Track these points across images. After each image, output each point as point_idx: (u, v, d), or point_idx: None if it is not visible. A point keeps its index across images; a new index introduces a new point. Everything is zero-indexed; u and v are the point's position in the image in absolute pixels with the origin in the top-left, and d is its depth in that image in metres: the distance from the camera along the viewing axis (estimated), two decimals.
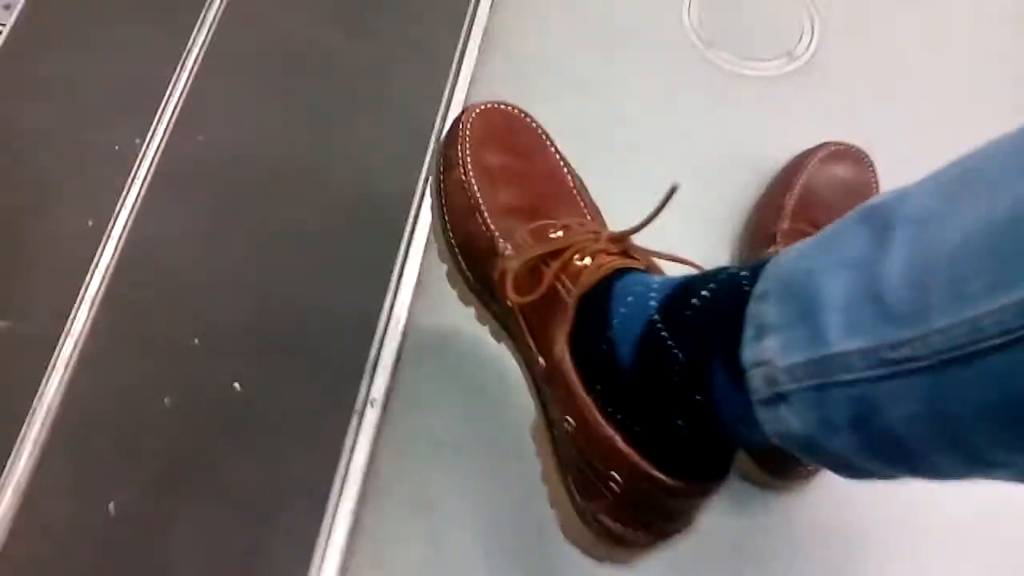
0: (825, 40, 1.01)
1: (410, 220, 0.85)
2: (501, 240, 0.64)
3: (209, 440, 0.76)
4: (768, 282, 0.48)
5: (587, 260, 0.59)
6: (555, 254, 0.60)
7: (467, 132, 0.68)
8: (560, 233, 0.62)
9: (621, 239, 0.60)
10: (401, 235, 0.84)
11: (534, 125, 0.70)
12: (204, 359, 0.78)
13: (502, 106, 0.70)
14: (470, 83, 0.93)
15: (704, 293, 0.53)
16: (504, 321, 0.66)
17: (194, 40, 0.93)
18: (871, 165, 0.86)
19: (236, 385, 0.77)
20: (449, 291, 0.82)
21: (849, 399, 0.44)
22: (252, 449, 0.75)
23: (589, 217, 0.66)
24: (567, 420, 0.58)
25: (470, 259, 0.67)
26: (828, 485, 0.77)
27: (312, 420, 0.77)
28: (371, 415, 0.77)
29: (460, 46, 0.95)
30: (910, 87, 0.99)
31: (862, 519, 0.77)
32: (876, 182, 0.85)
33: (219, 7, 0.95)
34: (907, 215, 0.43)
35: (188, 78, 0.91)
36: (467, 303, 0.69)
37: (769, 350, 0.47)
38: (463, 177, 0.66)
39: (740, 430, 0.52)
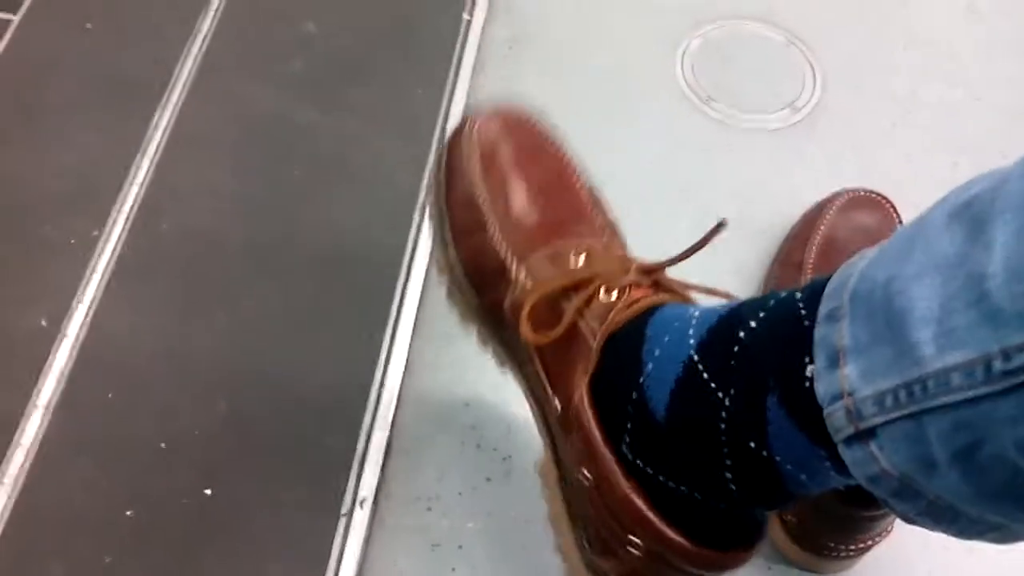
0: (828, 89, 0.96)
1: (396, 298, 0.78)
2: (515, 263, 0.56)
3: (179, 555, 0.67)
4: (837, 299, 0.41)
5: (614, 296, 0.51)
6: (577, 286, 0.53)
7: (474, 138, 0.60)
8: (582, 259, 0.54)
9: (653, 271, 0.53)
10: (387, 315, 0.77)
11: (545, 129, 0.63)
12: (171, 465, 0.70)
13: (511, 109, 0.63)
14: None
15: (752, 324, 0.45)
16: (512, 348, 0.58)
17: (156, 122, 0.87)
18: (893, 209, 0.79)
19: (207, 491, 0.69)
20: (441, 374, 0.76)
21: (951, 427, 0.36)
22: (228, 562, 0.66)
23: (606, 235, 0.59)
24: (583, 473, 0.50)
25: (476, 278, 0.59)
26: (875, 564, 0.68)
27: (295, 526, 0.68)
28: (360, 516, 0.68)
29: (442, 114, 0.89)
30: (920, 129, 0.94)
31: None
32: (901, 225, 0.79)
33: (182, 86, 0.89)
34: (1008, 203, 0.35)
35: (150, 163, 0.84)
36: (468, 325, 0.62)
37: (848, 379, 0.39)
38: (472, 190, 0.59)
39: (801, 479, 0.44)
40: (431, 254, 0.64)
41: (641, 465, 0.48)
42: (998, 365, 0.34)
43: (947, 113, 0.96)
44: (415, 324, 0.78)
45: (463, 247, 0.60)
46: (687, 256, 0.52)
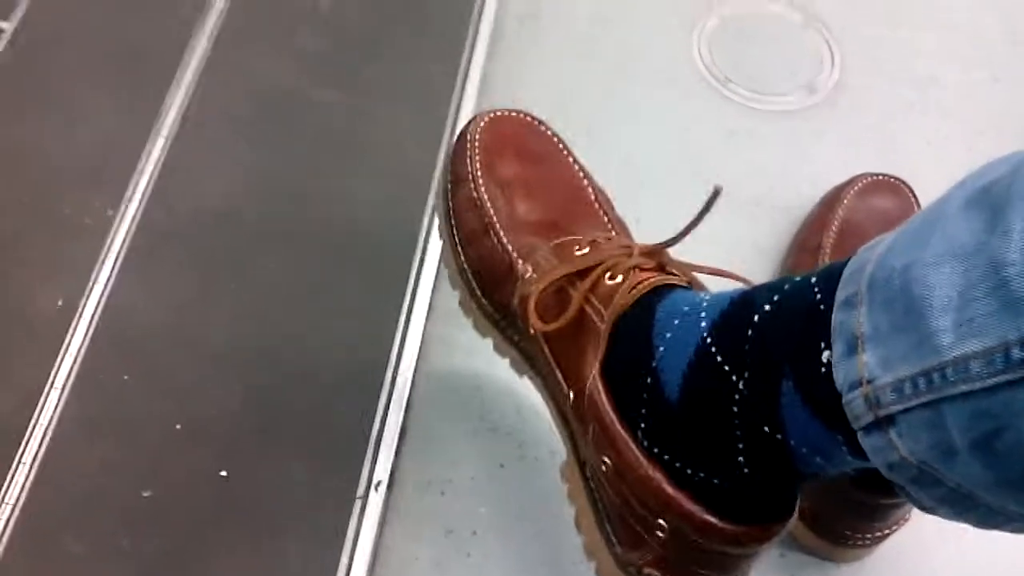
0: (847, 70, 0.95)
1: (411, 278, 0.78)
2: (520, 261, 0.57)
3: (195, 536, 0.67)
4: (854, 285, 0.41)
5: (619, 279, 0.52)
6: (582, 274, 0.53)
7: (476, 143, 0.61)
8: (587, 250, 0.55)
9: (657, 253, 0.53)
10: (403, 295, 0.77)
11: (549, 132, 0.64)
12: (187, 446, 0.70)
13: (513, 113, 0.63)
14: None
15: (766, 307, 0.45)
16: (527, 351, 0.59)
17: (169, 101, 0.86)
18: (911, 193, 0.79)
19: (223, 473, 0.69)
20: (455, 357, 0.76)
21: (971, 415, 0.36)
22: (243, 544, 0.67)
23: (615, 232, 0.60)
24: (603, 460, 0.51)
25: (485, 284, 0.60)
26: (895, 550, 0.68)
27: (310, 508, 0.68)
28: (375, 500, 0.68)
29: (457, 92, 0.88)
30: (940, 112, 0.93)
31: None
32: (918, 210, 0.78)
33: (196, 64, 0.89)
34: None
35: (164, 140, 0.84)
36: (484, 333, 0.63)
37: (867, 366, 0.39)
38: (474, 193, 0.60)
39: (816, 462, 0.44)
40: (441, 258, 0.65)
41: (657, 452, 0.48)
42: (1017, 353, 0.34)
43: (967, 96, 0.95)
44: (430, 304, 0.77)
45: (470, 251, 0.61)
46: (687, 233, 0.51)
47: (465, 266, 0.61)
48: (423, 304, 0.77)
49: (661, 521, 0.49)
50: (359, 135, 0.87)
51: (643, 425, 0.49)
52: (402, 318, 0.76)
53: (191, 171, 0.83)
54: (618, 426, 0.50)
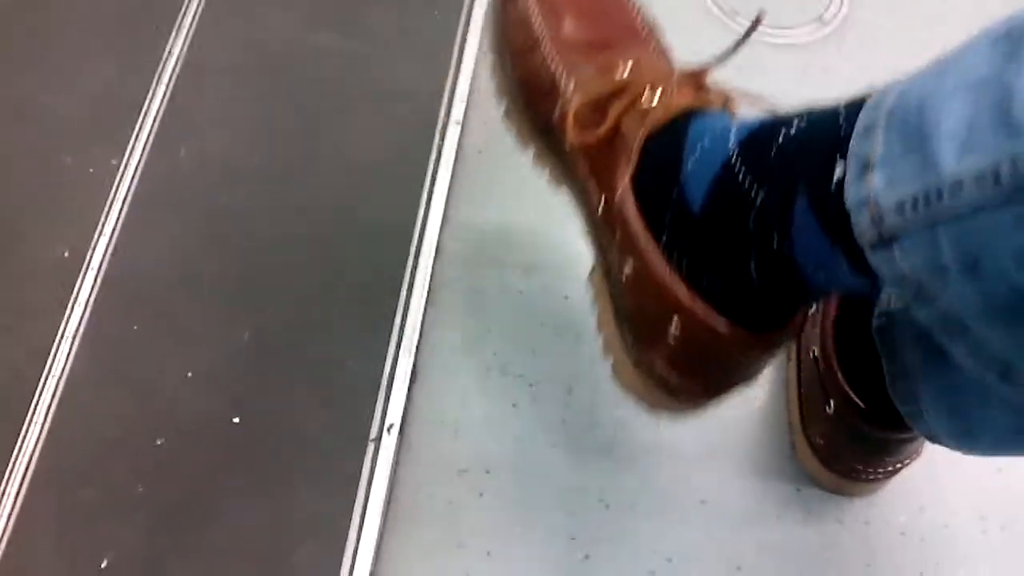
0: (856, 4, 0.93)
1: (419, 220, 0.77)
2: (564, 76, 0.58)
3: (209, 482, 0.68)
4: (873, 114, 0.41)
5: (656, 99, 0.53)
6: (621, 92, 0.55)
7: None
8: (629, 67, 0.56)
9: (696, 75, 0.55)
10: (410, 238, 0.77)
11: None
12: (198, 393, 0.70)
13: None
14: (473, 73, 0.85)
15: (791, 132, 0.47)
16: (564, 164, 0.61)
17: (170, 49, 0.85)
18: None
19: (235, 419, 0.69)
20: (465, 299, 0.76)
21: (960, 236, 0.37)
22: (257, 489, 0.67)
23: (657, 52, 0.61)
24: (625, 264, 0.54)
25: (530, 97, 0.62)
26: (905, 485, 0.69)
27: (323, 452, 0.68)
28: (388, 442, 0.69)
29: (459, 37, 0.87)
30: (951, 44, 0.91)
31: (942, 521, 0.69)
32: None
33: (195, 12, 0.88)
34: None
35: (165, 90, 0.83)
36: (525, 144, 0.64)
37: (875, 186, 0.40)
38: (525, 12, 0.61)
39: (820, 277, 0.46)
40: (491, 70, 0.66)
41: (677, 257, 0.51)
42: (1006, 173, 0.34)
43: (978, 27, 0.93)
44: (438, 247, 0.77)
45: (518, 66, 0.62)
46: (730, 54, 0.54)
47: (512, 77, 0.63)
48: (430, 246, 0.77)
49: (674, 318, 0.51)
50: (361, 82, 0.86)
51: (666, 233, 0.51)
52: (410, 261, 0.76)
53: (193, 120, 0.83)
54: (643, 232, 0.52)
